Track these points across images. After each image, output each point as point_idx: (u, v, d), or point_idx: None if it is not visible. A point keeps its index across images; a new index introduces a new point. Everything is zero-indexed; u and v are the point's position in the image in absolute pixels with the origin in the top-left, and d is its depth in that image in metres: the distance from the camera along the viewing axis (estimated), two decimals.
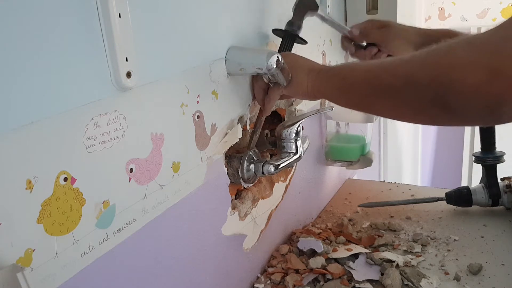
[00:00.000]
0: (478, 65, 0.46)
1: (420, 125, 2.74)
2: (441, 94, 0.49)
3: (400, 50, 0.91)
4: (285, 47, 0.84)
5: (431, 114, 0.53)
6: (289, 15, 0.87)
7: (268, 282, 0.88)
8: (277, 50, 0.83)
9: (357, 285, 0.83)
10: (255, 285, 0.87)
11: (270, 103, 0.79)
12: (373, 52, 0.95)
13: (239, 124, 0.78)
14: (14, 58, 0.41)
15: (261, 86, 0.79)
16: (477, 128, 1.12)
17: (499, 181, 1.06)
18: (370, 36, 0.95)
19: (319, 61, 1.09)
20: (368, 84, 0.61)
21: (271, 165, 0.77)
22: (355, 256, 0.90)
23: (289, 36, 0.85)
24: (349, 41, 0.99)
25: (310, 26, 1.04)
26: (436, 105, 0.50)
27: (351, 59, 1.32)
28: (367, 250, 0.92)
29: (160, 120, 0.60)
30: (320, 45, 1.08)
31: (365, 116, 1.11)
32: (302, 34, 0.85)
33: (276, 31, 0.85)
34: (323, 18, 0.94)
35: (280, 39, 0.85)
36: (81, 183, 0.49)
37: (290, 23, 0.85)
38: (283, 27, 0.85)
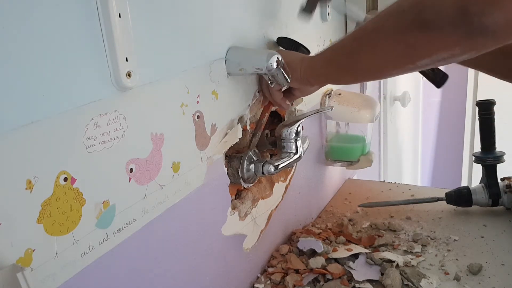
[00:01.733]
0: None
1: (420, 125, 2.74)
2: (419, 13, 0.51)
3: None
4: None
5: (411, 40, 0.54)
6: (288, 15, 0.87)
7: (268, 282, 0.88)
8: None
9: (357, 285, 0.83)
10: (255, 285, 0.87)
11: (282, 100, 0.81)
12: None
13: (239, 124, 0.78)
14: (14, 58, 0.41)
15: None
16: (477, 128, 1.12)
17: (499, 181, 1.06)
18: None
19: None
20: (354, 39, 0.63)
21: (271, 165, 0.78)
22: (355, 256, 0.90)
23: (293, 44, 0.86)
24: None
25: (310, 26, 1.04)
26: (415, 27, 0.52)
27: None
28: (367, 250, 0.92)
29: (160, 120, 0.60)
30: (320, 45, 1.08)
31: (365, 117, 1.11)
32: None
33: (281, 40, 0.86)
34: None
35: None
36: (81, 183, 0.49)
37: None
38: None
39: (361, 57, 0.63)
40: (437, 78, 0.99)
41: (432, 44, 0.53)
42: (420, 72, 0.91)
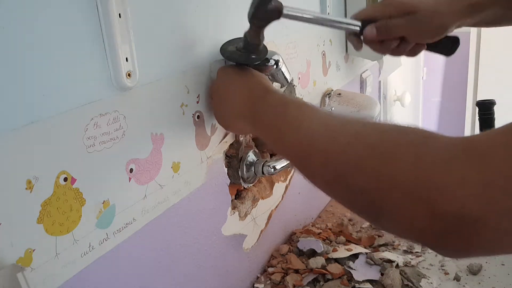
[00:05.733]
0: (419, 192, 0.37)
1: (420, 125, 2.74)
2: (373, 210, 0.41)
3: (431, 38, 0.70)
4: None
5: (362, 214, 0.45)
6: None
7: (268, 282, 0.88)
8: (277, 50, 0.83)
9: (357, 285, 0.83)
10: (255, 285, 0.87)
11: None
12: (393, 45, 0.71)
13: None
14: (14, 59, 0.41)
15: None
16: (477, 128, 1.12)
17: None
18: (393, 31, 0.69)
19: (319, 61, 1.08)
20: (298, 159, 0.51)
21: (271, 166, 0.78)
22: (355, 256, 0.90)
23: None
24: (365, 43, 0.74)
25: (310, 26, 1.03)
26: (368, 214, 0.43)
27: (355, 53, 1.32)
28: (367, 250, 0.92)
29: (160, 120, 0.60)
30: (320, 45, 1.08)
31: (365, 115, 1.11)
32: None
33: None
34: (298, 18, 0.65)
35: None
36: (81, 183, 0.49)
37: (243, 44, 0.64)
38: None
39: (311, 164, 0.49)
40: (446, 48, 0.75)
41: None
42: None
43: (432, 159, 0.37)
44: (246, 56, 0.63)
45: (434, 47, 0.75)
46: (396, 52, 0.73)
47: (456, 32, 0.73)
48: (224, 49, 0.65)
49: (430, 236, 0.38)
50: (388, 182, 0.39)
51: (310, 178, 0.50)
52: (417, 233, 0.39)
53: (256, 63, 0.66)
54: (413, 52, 0.74)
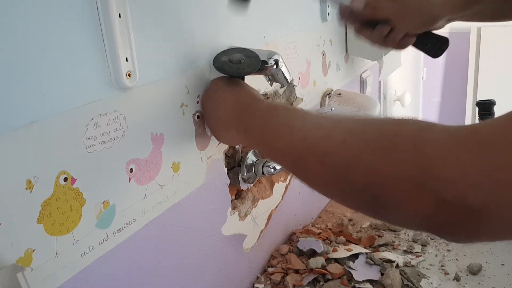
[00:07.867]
0: (420, 186, 0.36)
1: None
2: (377, 204, 0.41)
3: (420, 28, 0.73)
4: None
5: (365, 211, 0.45)
6: (289, 16, 0.86)
7: (268, 282, 0.88)
8: (277, 50, 0.83)
9: (357, 285, 0.83)
10: (255, 285, 0.87)
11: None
12: (383, 32, 0.72)
13: None
14: (14, 59, 0.41)
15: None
16: None
17: None
18: (379, 11, 0.71)
19: (319, 61, 1.08)
20: (294, 163, 0.51)
21: (271, 166, 0.78)
22: (355, 256, 0.90)
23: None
24: (350, 15, 0.74)
25: (310, 26, 1.04)
26: (372, 209, 0.43)
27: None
28: (367, 250, 0.92)
29: (160, 120, 0.60)
30: (320, 45, 1.08)
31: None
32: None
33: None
34: None
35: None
36: (81, 183, 0.49)
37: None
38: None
39: (305, 182, 0.51)
40: (435, 48, 0.77)
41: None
42: (413, 44, 0.76)
43: (432, 148, 0.37)
44: (237, 68, 0.63)
45: (422, 45, 0.76)
46: (386, 41, 0.74)
47: (453, 29, 0.73)
48: (216, 59, 0.64)
49: (435, 225, 0.38)
50: (389, 175, 0.39)
51: (307, 181, 0.49)
52: (422, 222, 0.39)
53: (246, 75, 0.66)
54: (402, 44, 0.75)
